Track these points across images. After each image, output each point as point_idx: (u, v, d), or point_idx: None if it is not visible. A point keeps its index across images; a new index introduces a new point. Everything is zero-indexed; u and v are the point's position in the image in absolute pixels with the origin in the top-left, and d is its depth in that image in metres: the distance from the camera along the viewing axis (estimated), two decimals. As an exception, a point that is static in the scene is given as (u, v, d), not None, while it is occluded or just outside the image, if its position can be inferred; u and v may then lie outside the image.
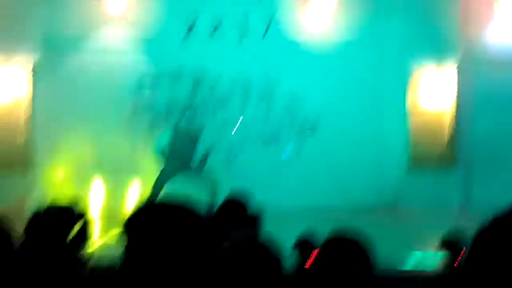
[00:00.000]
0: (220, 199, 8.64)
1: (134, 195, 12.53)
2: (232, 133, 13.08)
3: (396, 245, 8.91)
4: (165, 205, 2.04)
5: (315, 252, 3.33)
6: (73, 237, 7.61)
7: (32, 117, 12.44)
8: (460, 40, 13.35)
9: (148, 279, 1.91)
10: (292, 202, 12.32)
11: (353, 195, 12.81)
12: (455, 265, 5.82)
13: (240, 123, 13.14)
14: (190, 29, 12.99)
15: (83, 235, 7.73)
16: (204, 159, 11.80)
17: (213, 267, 2.49)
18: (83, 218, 7.51)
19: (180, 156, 11.62)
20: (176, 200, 2.03)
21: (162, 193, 11.40)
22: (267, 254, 2.69)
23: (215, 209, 8.92)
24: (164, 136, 11.75)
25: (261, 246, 2.69)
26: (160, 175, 11.51)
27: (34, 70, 12.44)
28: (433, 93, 13.41)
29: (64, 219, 7.45)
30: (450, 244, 6.58)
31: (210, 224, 2.05)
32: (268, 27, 13.13)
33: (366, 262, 3.42)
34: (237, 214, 8.09)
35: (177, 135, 11.70)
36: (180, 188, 11.26)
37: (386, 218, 12.07)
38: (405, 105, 13.39)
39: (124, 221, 2.01)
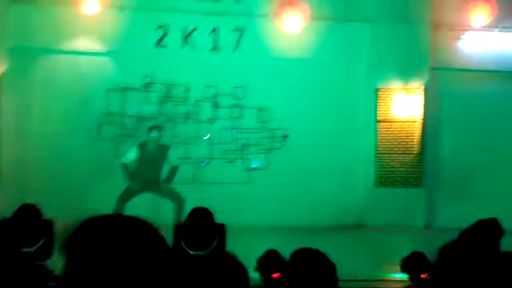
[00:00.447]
0: (185, 214, 8.69)
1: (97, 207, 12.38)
2: (205, 138, 13.05)
3: (361, 263, 8.94)
4: (110, 217, 1.90)
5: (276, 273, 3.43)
6: (38, 247, 7.55)
7: (0, 127, 12.31)
8: (428, 59, 13.51)
9: None
10: (257, 220, 12.34)
11: (320, 213, 12.87)
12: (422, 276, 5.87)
13: (208, 137, 13.13)
14: (160, 40, 12.97)
15: (49, 245, 7.66)
16: (172, 174, 11.62)
17: (177, 279, 2.48)
18: (50, 229, 7.44)
19: (146, 171, 11.43)
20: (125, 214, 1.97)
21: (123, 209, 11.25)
22: (236, 264, 2.72)
23: (181, 221, 8.92)
24: (131, 153, 11.56)
25: (230, 257, 2.73)
26: (124, 190, 11.35)
27: (1, 79, 12.31)
28: (400, 112, 13.49)
29: (28, 228, 7.37)
30: (410, 266, 6.64)
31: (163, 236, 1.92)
32: (238, 40, 13.16)
33: (330, 276, 3.47)
34: (201, 224, 8.13)
35: (144, 151, 11.52)
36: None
37: (351, 236, 12.12)
38: (372, 123, 13.46)
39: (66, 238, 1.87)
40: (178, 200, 11.34)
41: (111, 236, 1.82)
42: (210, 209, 8.32)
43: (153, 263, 1.82)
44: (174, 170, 11.60)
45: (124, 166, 11.48)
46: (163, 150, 11.65)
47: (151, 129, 11.64)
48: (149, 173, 11.39)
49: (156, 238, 1.86)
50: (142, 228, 1.87)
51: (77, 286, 1.79)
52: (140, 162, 11.42)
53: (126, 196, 11.26)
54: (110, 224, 1.85)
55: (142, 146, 11.60)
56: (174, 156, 11.82)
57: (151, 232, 1.87)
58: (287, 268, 3.56)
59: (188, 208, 8.73)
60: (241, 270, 2.76)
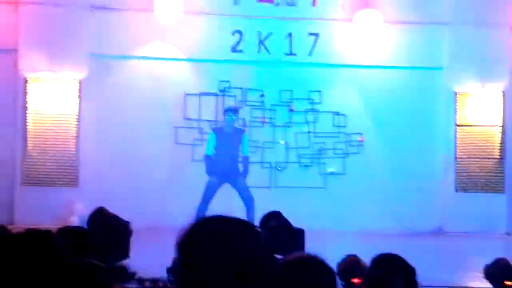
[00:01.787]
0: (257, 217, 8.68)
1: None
2: (281, 143, 13.05)
3: (441, 269, 8.77)
4: (222, 218, 2.04)
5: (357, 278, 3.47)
6: (116, 249, 7.65)
7: (79, 132, 12.55)
8: (508, 62, 13.20)
9: None
10: (333, 225, 12.27)
11: (398, 218, 12.70)
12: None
13: (284, 143, 13.12)
14: (236, 45, 13.04)
15: (126, 247, 7.75)
16: (246, 165, 11.54)
17: (272, 279, 2.51)
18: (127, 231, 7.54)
19: (223, 157, 11.30)
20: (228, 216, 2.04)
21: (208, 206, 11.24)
22: (325, 267, 2.71)
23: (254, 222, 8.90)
24: (209, 141, 11.53)
25: (318, 260, 2.72)
26: (205, 190, 11.33)
27: (81, 85, 12.56)
28: (480, 116, 13.22)
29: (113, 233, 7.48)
30: (494, 273, 6.46)
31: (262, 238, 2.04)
32: (314, 45, 13.12)
33: (410, 281, 3.48)
34: (281, 228, 8.11)
35: (220, 135, 11.42)
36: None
37: (431, 242, 11.91)
38: (451, 127, 13.22)
39: (179, 237, 2.00)
40: (249, 198, 11.28)
41: (221, 236, 1.95)
42: (283, 214, 8.31)
43: (256, 263, 1.95)
44: (247, 160, 11.55)
45: (208, 158, 11.48)
46: (238, 133, 11.62)
47: (226, 112, 11.66)
48: (226, 158, 11.31)
49: (258, 239, 2.00)
50: (247, 230, 2.02)
51: (189, 283, 1.91)
52: (216, 147, 11.41)
53: (208, 194, 11.29)
54: (220, 225, 1.99)
55: (217, 131, 11.61)
56: (247, 143, 11.74)
57: (254, 233, 2.02)
58: (369, 272, 3.56)
59: (263, 211, 8.71)
60: (330, 273, 2.74)
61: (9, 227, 3.98)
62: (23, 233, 3.79)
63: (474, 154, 13.18)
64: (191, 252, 1.95)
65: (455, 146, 13.19)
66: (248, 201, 11.26)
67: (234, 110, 11.67)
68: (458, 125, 13.23)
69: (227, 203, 11.36)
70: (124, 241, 7.87)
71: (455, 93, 13.25)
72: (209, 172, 11.42)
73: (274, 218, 8.29)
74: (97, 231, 7.48)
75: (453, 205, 13.00)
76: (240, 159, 11.66)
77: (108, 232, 7.72)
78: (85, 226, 7.71)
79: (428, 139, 13.27)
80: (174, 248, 2.07)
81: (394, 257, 3.59)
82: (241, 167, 11.59)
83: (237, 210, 11.01)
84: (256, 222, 9.07)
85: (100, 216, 7.87)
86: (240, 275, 1.91)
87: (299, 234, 7.97)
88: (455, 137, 13.20)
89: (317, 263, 2.73)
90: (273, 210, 8.69)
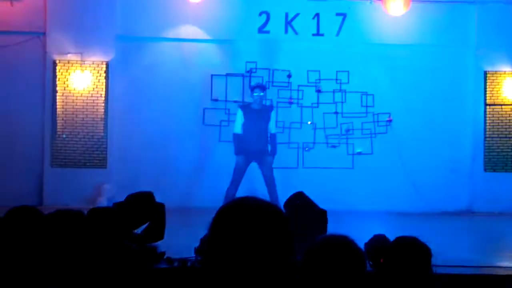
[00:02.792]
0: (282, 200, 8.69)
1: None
2: (308, 123, 13.01)
3: (470, 250, 8.74)
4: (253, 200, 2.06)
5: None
6: (150, 230, 7.72)
7: (107, 114, 12.63)
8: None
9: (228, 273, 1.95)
10: (361, 205, 12.27)
11: (426, 199, 12.66)
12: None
13: (311, 123, 13.09)
14: (263, 26, 13.01)
15: (160, 227, 7.83)
16: (273, 143, 11.40)
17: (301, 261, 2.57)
18: (162, 212, 7.60)
19: (251, 135, 11.12)
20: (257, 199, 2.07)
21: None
22: (354, 247, 2.74)
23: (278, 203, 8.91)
24: (238, 119, 11.40)
25: (348, 240, 2.74)
26: (234, 171, 11.25)
27: (109, 67, 12.63)
28: (510, 95, 13.10)
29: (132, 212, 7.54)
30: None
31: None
32: (341, 25, 13.05)
33: (424, 264, 3.57)
34: (305, 208, 8.12)
35: (248, 112, 11.23)
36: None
37: (460, 222, 11.86)
38: (481, 107, 13.10)
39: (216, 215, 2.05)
40: (273, 183, 11.19)
41: (250, 218, 1.99)
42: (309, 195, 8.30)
43: (282, 245, 1.99)
44: (274, 138, 11.41)
45: (236, 136, 11.39)
46: (267, 110, 11.52)
47: (254, 88, 11.55)
48: (254, 136, 11.17)
49: (286, 224, 2.03)
50: (275, 213, 2.03)
51: (215, 263, 1.96)
52: (244, 125, 11.30)
53: (237, 175, 11.21)
54: (249, 208, 2.02)
55: (245, 108, 11.50)
56: (275, 120, 11.65)
57: (282, 217, 2.04)
58: (388, 255, 3.66)
59: (291, 191, 8.73)
60: (358, 253, 2.75)
61: (39, 208, 4.01)
62: (54, 214, 3.83)
63: (504, 134, 13.06)
64: (217, 235, 1.98)
65: (485, 126, 13.07)
66: (271, 184, 11.17)
67: (262, 87, 11.56)
68: (489, 105, 13.11)
69: (253, 182, 11.42)
70: (160, 223, 7.97)
71: (485, 72, 13.12)
72: (238, 151, 11.34)
73: (298, 199, 8.32)
74: (134, 212, 7.56)
75: (482, 185, 12.91)
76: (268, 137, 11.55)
77: (147, 214, 7.82)
78: (114, 205, 7.81)
79: (457, 118, 13.17)
80: (201, 229, 2.10)
81: (410, 240, 3.67)
82: (269, 147, 11.49)
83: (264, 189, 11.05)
84: (281, 203, 9.11)
85: (142, 199, 7.95)
86: (264, 258, 1.94)
87: (322, 215, 7.98)
88: (485, 116, 13.08)
89: (345, 244, 2.73)
90: (297, 191, 8.72)
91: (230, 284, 1.92)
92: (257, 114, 11.26)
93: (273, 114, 11.53)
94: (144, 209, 7.79)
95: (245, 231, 1.94)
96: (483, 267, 7.56)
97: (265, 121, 11.28)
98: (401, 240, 3.71)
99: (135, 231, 7.65)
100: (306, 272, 2.66)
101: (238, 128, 11.34)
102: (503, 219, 11.86)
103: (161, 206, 8.05)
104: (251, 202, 2.03)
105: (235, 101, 12.75)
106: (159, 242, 7.77)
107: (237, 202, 2.04)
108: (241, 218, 1.97)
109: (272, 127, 11.39)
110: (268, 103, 12.47)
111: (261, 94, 11.37)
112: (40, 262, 3.37)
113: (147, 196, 7.99)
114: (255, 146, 11.19)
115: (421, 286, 3.54)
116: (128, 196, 7.95)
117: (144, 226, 7.85)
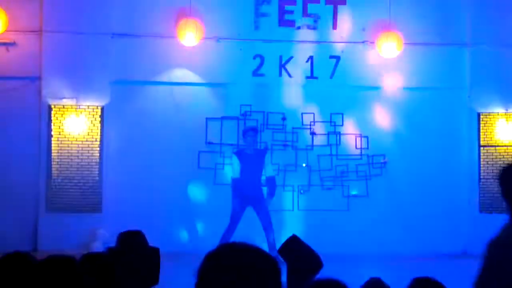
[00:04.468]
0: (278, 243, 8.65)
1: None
2: (303, 166, 13.00)
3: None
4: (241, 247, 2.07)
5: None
6: (145, 275, 7.66)
7: (102, 158, 12.63)
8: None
9: None
10: (357, 248, 12.22)
11: (422, 241, 12.63)
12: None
13: (306, 165, 13.09)
14: (257, 69, 13.08)
15: (155, 272, 7.76)
16: (271, 186, 11.38)
17: None
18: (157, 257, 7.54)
19: (247, 180, 11.16)
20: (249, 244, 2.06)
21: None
22: None
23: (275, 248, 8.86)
24: (234, 164, 11.41)
25: (340, 284, 2.72)
26: (231, 215, 11.21)
27: (103, 112, 12.66)
28: (504, 137, 13.14)
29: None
30: None
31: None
32: (335, 67, 13.13)
33: None
34: (300, 252, 8.07)
35: (242, 158, 11.28)
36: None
37: (456, 264, 11.79)
38: (475, 148, 13.14)
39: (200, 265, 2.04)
40: (270, 227, 11.14)
41: (239, 265, 2.00)
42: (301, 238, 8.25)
43: None
44: (272, 181, 11.42)
45: (235, 181, 11.39)
46: (261, 154, 11.50)
47: (246, 132, 11.54)
48: (249, 181, 11.17)
49: (275, 270, 2.06)
50: (263, 258, 2.05)
51: None
52: (240, 170, 11.28)
53: (233, 220, 11.16)
54: (238, 254, 2.04)
55: (239, 153, 11.50)
56: (270, 163, 11.64)
57: (272, 263, 2.06)
58: None
59: (286, 234, 8.68)
60: None
61: (33, 253, 4.00)
62: (46, 261, 3.81)
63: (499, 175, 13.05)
64: (206, 280, 1.97)
65: (479, 167, 13.10)
66: (267, 228, 11.12)
67: (254, 130, 11.60)
68: (483, 146, 13.15)
69: (251, 227, 11.38)
70: (155, 267, 7.90)
71: (478, 114, 13.18)
72: (235, 195, 11.34)
73: (292, 243, 8.27)
74: (127, 257, 7.50)
75: (478, 227, 12.88)
76: (263, 181, 11.56)
77: (139, 258, 7.75)
78: (108, 249, 7.75)
79: (451, 160, 13.20)
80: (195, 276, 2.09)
81: (433, 281, 3.63)
82: (265, 190, 11.46)
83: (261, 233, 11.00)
84: (277, 246, 9.07)
85: (134, 240, 7.89)
86: None
87: (317, 259, 7.95)
88: (479, 158, 13.11)
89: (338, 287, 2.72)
90: (291, 235, 8.68)
91: None
92: (251, 159, 11.27)
93: (267, 157, 11.55)
94: (136, 248, 7.73)
95: (231, 277, 1.94)
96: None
97: (259, 165, 11.28)
98: (422, 283, 3.68)
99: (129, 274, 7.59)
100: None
101: (236, 172, 11.35)
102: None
103: (155, 250, 8.00)
104: (237, 248, 2.03)
105: (230, 144, 12.77)
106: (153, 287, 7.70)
107: (223, 247, 2.04)
108: (226, 263, 1.97)
109: (268, 170, 11.40)
110: (262, 146, 12.50)
111: (254, 137, 11.36)
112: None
113: (138, 235, 7.94)
114: (250, 191, 11.18)
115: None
116: (120, 235, 7.90)
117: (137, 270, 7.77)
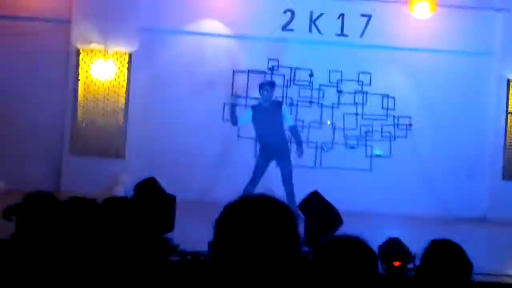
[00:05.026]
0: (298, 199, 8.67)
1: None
2: (328, 123, 12.97)
3: (484, 258, 8.67)
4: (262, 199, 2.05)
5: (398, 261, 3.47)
6: (160, 221, 7.74)
7: (128, 105, 12.67)
8: None
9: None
10: (377, 208, 12.21)
11: (443, 204, 12.61)
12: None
13: (330, 123, 13.06)
14: (287, 24, 12.99)
15: (171, 219, 7.84)
16: (296, 135, 11.20)
17: (312, 261, 2.56)
18: (173, 204, 7.61)
19: (267, 135, 11.02)
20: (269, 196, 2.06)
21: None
22: (366, 248, 2.73)
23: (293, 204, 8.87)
24: (246, 114, 11.26)
25: (360, 241, 2.72)
26: (254, 170, 11.14)
27: (131, 58, 12.67)
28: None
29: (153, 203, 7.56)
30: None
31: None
32: (365, 26, 13.00)
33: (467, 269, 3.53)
34: (319, 208, 8.11)
35: (259, 112, 10.91)
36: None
37: (475, 229, 11.77)
38: (502, 115, 13.02)
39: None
40: (290, 180, 11.05)
41: (256, 216, 1.99)
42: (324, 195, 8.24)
43: (288, 245, 1.99)
44: (295, 130, 11.23)
45: (235, 122, 11.09)
46: (277, 106, 11.26)
47: (263, 85, 11.33)
48: (270, 135, 10.93)
49: (292, 221, 2.04)
50: (282, 211, 2.03)
51: (222, 260, 1.98)
52: (258, 125, 11.06)
53: (256, 174, 11.08)
54: (256, 205, 2.02)
55: (255, 107, 11.15)
56: (288, 113, 11.44)
57: (290, 215, 2.05)
58: (424, 257, 3.57)
59: (307, 190, 8.70)
60: (371, 255, 2.73)
61: (56, 194, 4.05)
62: (69, 201, 3.86)
63: (524, 143, 12.97)
64: (224, 230, 2.00)
65: (505, 134, 12.99)
66: (286, 182, 11.03)
67: (270, 84, 11.40)
68: (510, 113, 13.02)
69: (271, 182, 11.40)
70: (169, 214, 7.97)
71: (508, 80, 13.04)
72: (232, 120, 11.17)
73: (313, 199, 8.31)
74: (143, 201, 7.58)
75: (499, 194, 12.83)
76: (287, 132, 11.43)
77: (154, 204, 7.83)
78: (130, 195, 7.84)
79: (477, 125, 13.10)
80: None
81: (451, 244, 3.60)
82: (289, 142, 11.34)
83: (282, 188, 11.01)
84: (297, 202, 9.09)
85: (149, 188, 7.97)
86: (270, 257, 1.95)
87: (336, 215, 7.98)
88: (506, 124, 13.00)
89: (358, 245, 2.72)
90: (312, 191, 8.69)
91: (239, 279, 1.92)
92: (268, 112, 11.08)
93: (284, 108, 11.31)
94: (152, 195, 7.80)
95: (248, 227, 1.95)
96: (499, 276, 7.52)
97: (277, 118, 11.08)
98: (441, 245, 3.62)
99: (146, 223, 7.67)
100: (317, 271, 2.65)
101: (242, 121, 11.16)
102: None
103: (172, 198, 8.06)
104: (255, 199, 2.03)
105: (256, 98, 12.72)
106: (173, 235, 7.78)
107: (242, 199, 2.04)
108: (244, 214, 1.97)
109: (288, 120, 11.18)
110: (288, 103, 12.42)
111: (270, 90, 11.12)
112: (55, 247, 3.39)
113: (153, 182, 8.01)
114: (271, 144, 11.07)
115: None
116: (137, 185, 7.97)
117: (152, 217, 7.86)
